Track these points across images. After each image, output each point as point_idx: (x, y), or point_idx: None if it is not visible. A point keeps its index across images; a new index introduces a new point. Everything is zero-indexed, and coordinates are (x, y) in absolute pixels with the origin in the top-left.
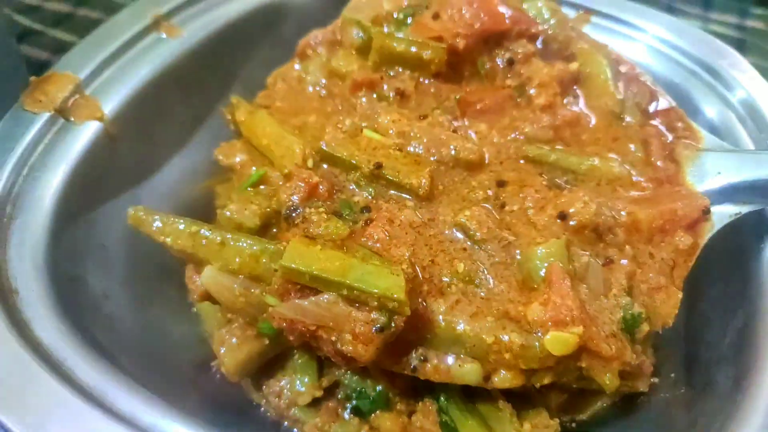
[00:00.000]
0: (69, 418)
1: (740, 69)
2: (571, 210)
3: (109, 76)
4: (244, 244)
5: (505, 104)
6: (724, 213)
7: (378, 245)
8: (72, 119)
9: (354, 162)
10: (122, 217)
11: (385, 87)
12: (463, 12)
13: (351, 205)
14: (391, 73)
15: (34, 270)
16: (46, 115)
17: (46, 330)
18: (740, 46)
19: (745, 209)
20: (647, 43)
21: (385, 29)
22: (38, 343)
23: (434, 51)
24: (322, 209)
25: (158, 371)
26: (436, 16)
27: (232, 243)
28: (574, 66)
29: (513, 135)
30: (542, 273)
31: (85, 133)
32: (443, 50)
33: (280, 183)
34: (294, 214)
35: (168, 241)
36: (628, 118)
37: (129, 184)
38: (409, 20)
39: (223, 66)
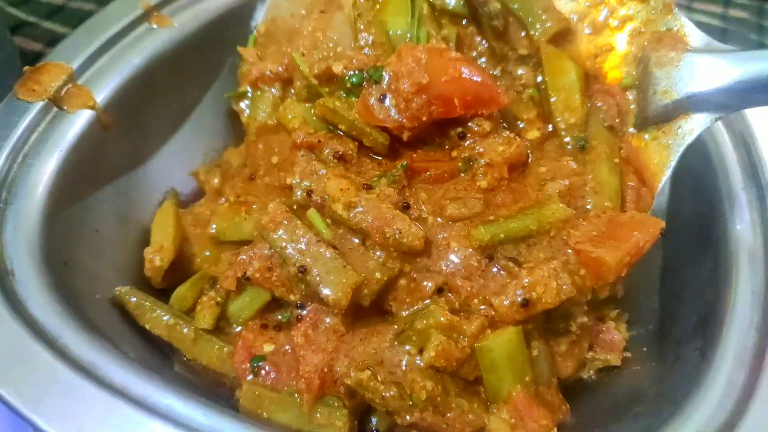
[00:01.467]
0: (64, 390)
1: None
2: (533, 294)
3: (101, 66)
4: (215, 346)
5: (453, 176)
6: (704, 119)
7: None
8: (65, 108)
9: (284, 257)
10: (115, 202)
11: (326, 151)
12: (414, 101)
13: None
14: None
15: (29, 253)
16: (39, 104)
17: (41, 309)
18: (723, 34)
19: (726, 113)
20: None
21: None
22: (34, 321)
23: (375, 139)
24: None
25: (150, 350)
26: (382, 99)
27: (203, 342)
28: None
29: (457, 210)
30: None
31: (78, 121)
32: (386, 139)
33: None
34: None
35: (147, 327)
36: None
37: (121, 170)
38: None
39: (214, 56)
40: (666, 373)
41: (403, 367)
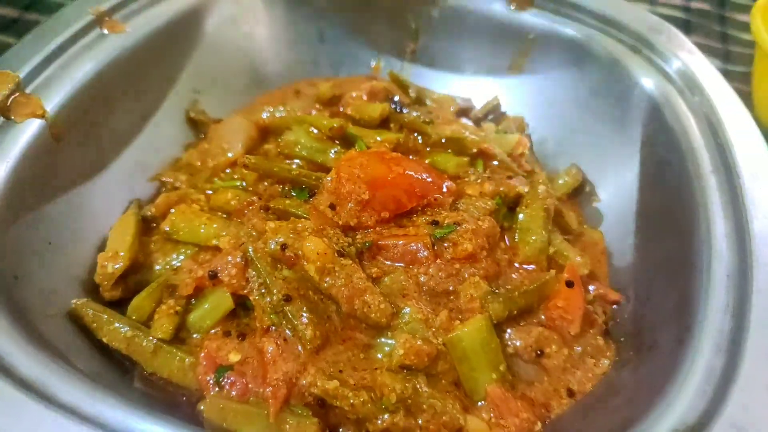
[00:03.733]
0: (9, 410)
1: (676, 42)
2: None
3: (50, 74)
4: (176, 357)
5: (418, 252)
6: None
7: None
8: (12, 118)
9: (270, 282)
10: (69, 214)
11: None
12: (362, 214)
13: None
14: None
15: None
16: None
17: None
18: (686, 26)
19: None
20: (589, 23)
21: None
22: None
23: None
24: None
25: (108, 366)
26: (332, 206)
27: (163, 354)
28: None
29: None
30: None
31: (27, 131)
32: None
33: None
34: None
35: (105, 340)
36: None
37: (76, 181)
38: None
39: (169, 61)
40: (642, 361)
41: (376, 371)
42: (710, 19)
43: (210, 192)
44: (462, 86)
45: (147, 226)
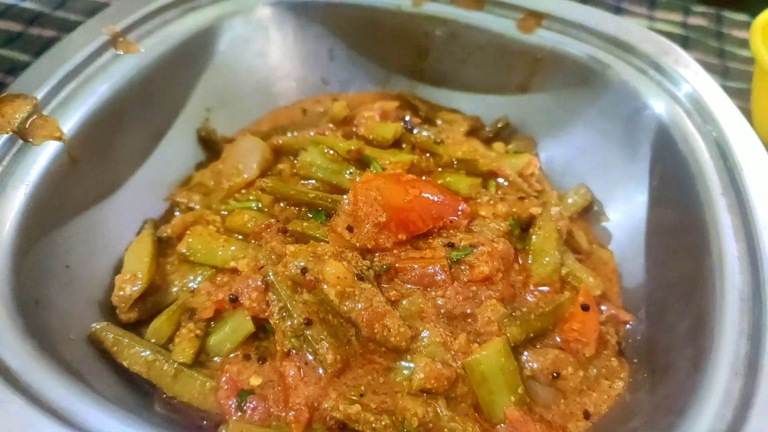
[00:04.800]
0: None
1: (684, 65)
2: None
3: (66, 96)
4: (197, 381)
5: (435, 275)
6: None
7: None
8: (30, 140)
9: (290, 306)
10: (85, 236)
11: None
12: (379, 237)
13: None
14: None
15: None
16: (3, 137)
17: (12, 353)
18: (684, 42)
19: None
20: (597, 45)
21: None
22: (5, 366)
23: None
24: None
25: (129, 390)
26: (350, 229)
27: (184, 378)
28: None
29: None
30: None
31: (44, 153)
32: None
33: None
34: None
35: (125, 364)
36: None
37: (90, 202)
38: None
39: (182, 80)
40: (658, 383)
41: (396, 395)
42: (708, 35)
43: (225, 213)
44: (470, 104)
45: (162, 247)
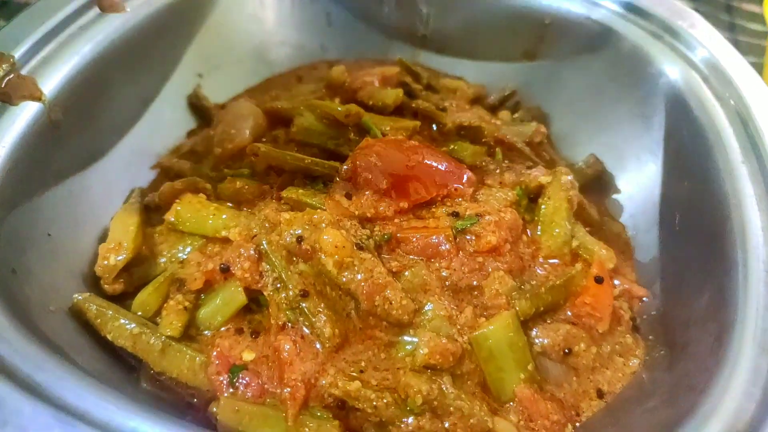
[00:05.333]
0: (13, 416)
1: (700, 29)
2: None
3: (46, 56)
4: (186, 356)
5: (439, 245)
6: None
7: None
8: (8, 100)
9: (285, 277)
10: (68, 204)
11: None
12: (380, 204)
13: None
14: None
15: None
16: None
17: None
18: None
19: None
20: (609, 8)
21: None
22: None
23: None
24: None
25: (113, 365)
26: (349, 196)
27: (172, 352)
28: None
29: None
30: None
31: (23, 114)
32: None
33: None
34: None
35: (109, 337)
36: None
37: (74, 169)
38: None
39: (171, 43)
40: (676, 360)
41: (399, 371)
42: (718, 8)
43: (217, 181)
44: (475, 73)
45: (150, 216)
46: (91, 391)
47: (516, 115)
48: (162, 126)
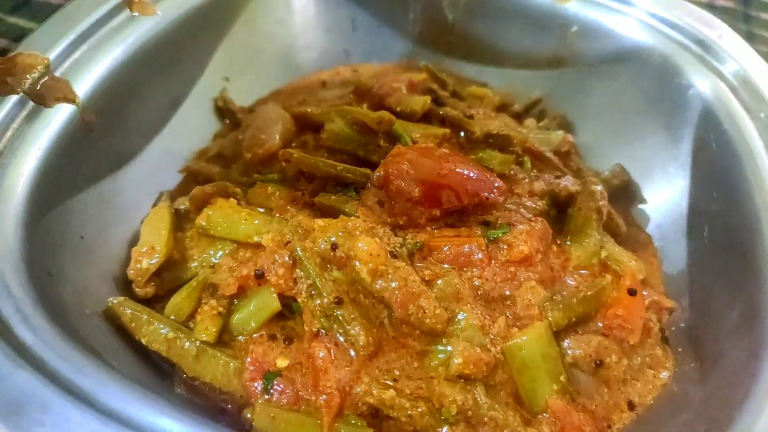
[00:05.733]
0: (59, 421)
1: (730, 40)
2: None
3: (79, 58)
4: (220, 361)
5: (472, 254)
6: None
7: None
8: (43, 102)
9: (320, 285)
10: (99, 207)
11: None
12: (413, 212)
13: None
14: None
15: (10, 263)
16: (13, 98)
17: (26, 327)
18: None
19: None
20: (637, 18)
21: None
22: (18, 341)
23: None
24: None
25: (147, 369)
26: (381, 203)
27: (207, 357)
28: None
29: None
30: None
31: (57, 117)
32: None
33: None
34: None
35: (144, 341)
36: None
37: (104, 172)
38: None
39: (200, 46)
40: (708, 374)
41: (432, 380)
42: (735, 17)
43: (246, 185)
44: (499, 80)
45: (179, 220)
46: (134, 396)
47: (541, 124)
48: (189, 129)
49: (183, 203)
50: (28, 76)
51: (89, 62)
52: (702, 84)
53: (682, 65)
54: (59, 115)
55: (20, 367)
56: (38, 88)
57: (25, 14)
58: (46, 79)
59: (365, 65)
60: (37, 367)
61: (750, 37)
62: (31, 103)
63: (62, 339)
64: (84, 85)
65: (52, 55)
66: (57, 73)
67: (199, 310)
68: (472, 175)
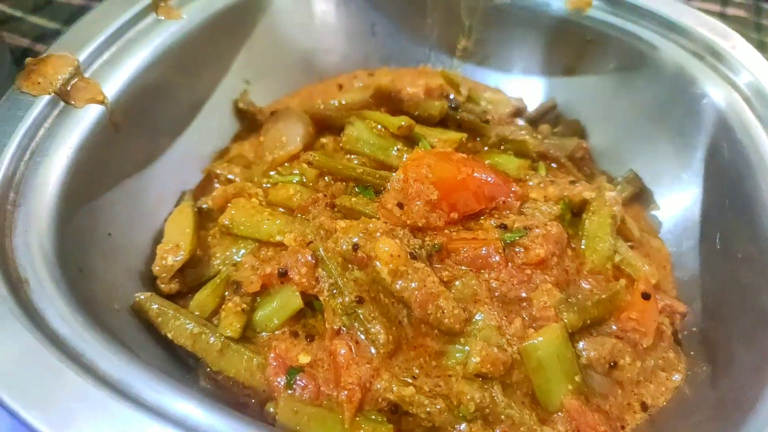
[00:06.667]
0: (95, 412)
1: (744, 51)
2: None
3: (107, 60)
4: (243, 357)
5: (489, 257)
6: None
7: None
8: (72, 102)
9: (342, 284)
10: (126, 205)
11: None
12: (431, 215)
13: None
14: None
15: (43, 259)
16: (45, 98)
17: (60, 321)
18: None
19: None
20: (652, 27)
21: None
22: (54, 335)
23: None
24: None
25: (172, 363)
26: (400, 206)
27: (231, 353)
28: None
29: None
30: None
31: (87, 117)
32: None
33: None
34: None
35: (170, 336)
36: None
37: (130, 171)
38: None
39: (223, 50)
40: (721, 376)
41: (450, 378)
42: (746, 26)
43: (267, 186)
44: (513, 86)
45: (202, 219)
46: (167, 388)
47: (556, 130)
48: (210, 130)
49: (206, 202)
50: (59, 77)
51: (117, 64)
52: (715, 93)
53: (696, 74)
54: (88, 115)
55: (57, 360)
56: (68, 88)
57: (46, 14)
58: (76, 80)
59: (381, 69)
60: (73, 359)
61: (762, 47)
62: (62, 103)
63: (95, 332)
64: (112, 87)
65: (81, 57)
66: (86, 75)
67: (223, 306)
68: (489, 179)
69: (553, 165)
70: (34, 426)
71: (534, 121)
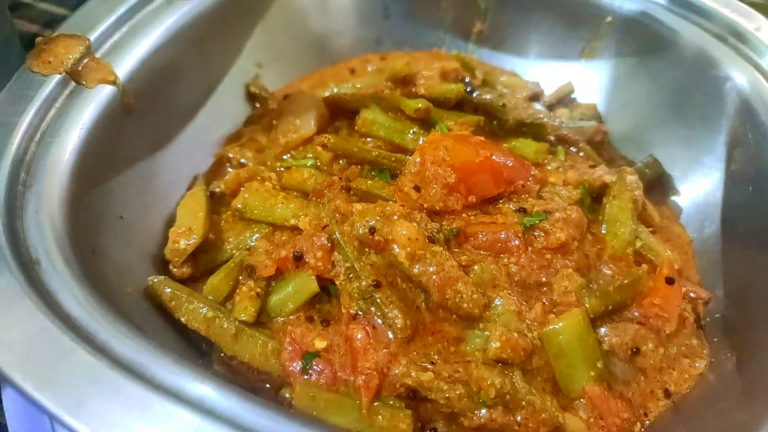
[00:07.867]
0: (109, 392)
1: (767, 32)
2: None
3: (119, 40)
4: (258, 341)
5: (508, 241)
6: None
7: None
8: (84, 82)
9: (358, 268)
10: (138, 188)
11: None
12: (448, 198)
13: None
14: None
15: (55, 240)
16: (55, 78)
17: (73, 302)
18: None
19: None
20: (673, 8)
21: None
22: (67, 315)
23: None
24: None
25: (186, 347)
26: (417, 189)
27: (245, 337)
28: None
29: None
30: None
31: (98, 97)
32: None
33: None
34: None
35: (183, 320)
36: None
37: (143, 154)
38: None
39: (235, 31)
40: (746, 363)
41: (470, 364)
42: (765, 13)
43: (281, 170)
44: (530, 70)
45: (214, 203)
46: (182, 370)
47: (574, 114)
48: (222, 113)
49: (218, 186)
50: (69, 57)
51: (129, 44)
52: (739, 76)
53: (718, 57)
54: (100, 95)
55: (70, 340)
56: (80, 68)
57: (58, 1)
58: (87, 60)
59: (394, 53)
60: (86, 340)
61: None
62: (72, 83)
63: (108, 314)
64: (124, 67)
65: (92, 37)
66: (98, 55)
67: (237, 290)
68: (508, 162)
69: (572, 149)
70: (46, 407)
71: (551, 106)
